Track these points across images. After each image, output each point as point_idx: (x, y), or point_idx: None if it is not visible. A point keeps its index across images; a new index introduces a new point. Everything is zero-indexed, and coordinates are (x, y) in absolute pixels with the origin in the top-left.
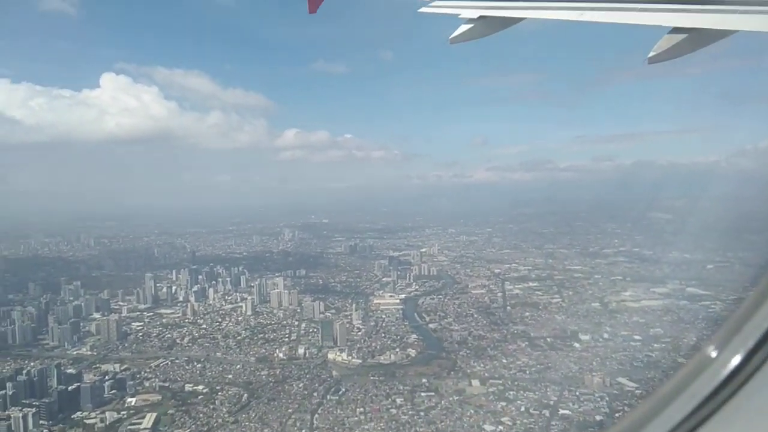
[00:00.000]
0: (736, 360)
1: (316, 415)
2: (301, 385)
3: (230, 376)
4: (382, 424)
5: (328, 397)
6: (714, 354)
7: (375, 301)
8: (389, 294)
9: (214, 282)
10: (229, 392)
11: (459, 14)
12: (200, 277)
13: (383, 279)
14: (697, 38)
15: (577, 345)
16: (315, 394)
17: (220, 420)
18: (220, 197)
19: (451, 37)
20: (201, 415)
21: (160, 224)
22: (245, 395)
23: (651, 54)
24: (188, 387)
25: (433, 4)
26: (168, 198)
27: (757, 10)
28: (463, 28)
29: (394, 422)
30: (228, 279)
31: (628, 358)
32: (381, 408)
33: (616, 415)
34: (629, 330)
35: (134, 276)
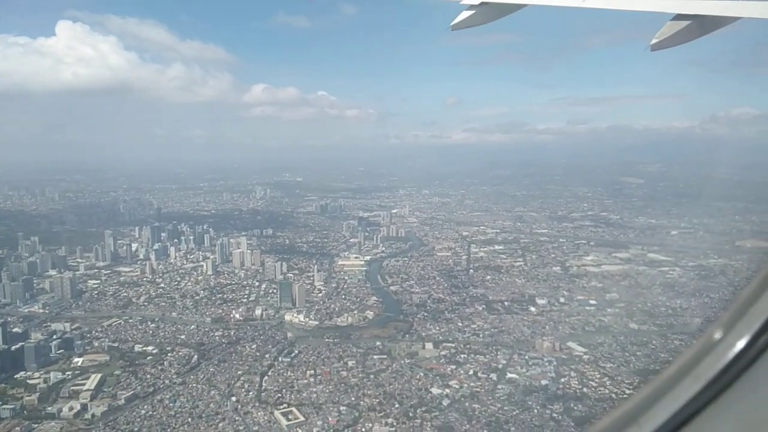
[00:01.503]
0: (741, 343)
1: (266, 377)
2: (254, 346)
3: (183, 337)
4: (330, 387)
5: (280, 359)
6: (719, 336)
7: (340, 263)
8: (354, 255)
9: (176, 240)
10: (180, 353)
11: (460, 1)
12: (163, 234)
13: (351, 240)
14: (700, 25)
15: (533, 309)
16: (267, 356)
17: (167, 381)
18: (194, 152)
19: (452, 24)
20: (148, 376)
21: (130, 179)
22: (195, 356)
23: (653, 41)
24: (138, 347)
25: None
26: (140, 152)
27: None
28: (465, 14)
29: (342, 385)
30: (191, 237)
31: (580, 323)
32: (332, 370)
33: (561, 380)
34: (586, 294)
35: (96, 232)
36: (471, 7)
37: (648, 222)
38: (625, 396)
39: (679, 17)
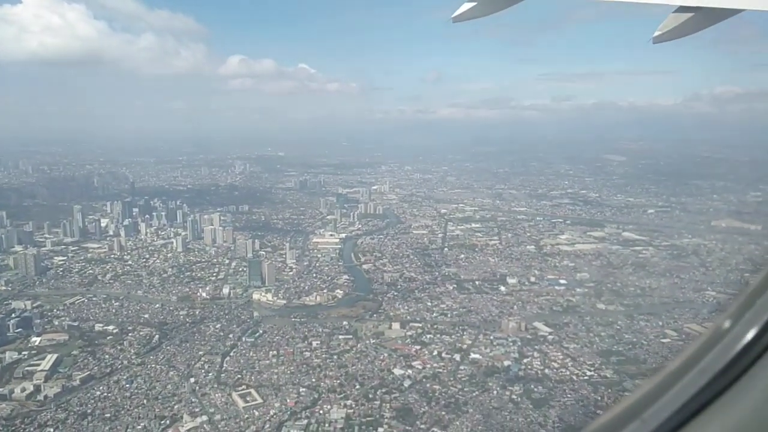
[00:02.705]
0: (749, 335)
1: (228, 358)
2: (218, 326)
3: (146, 316)
4: (292, 368)
5: (244, 339)
6: (725, 329)
7: (314, 240)
8: (330, 233)
9: (147, 216)
10: (141, 333)
11: None
12: (135, 210)
13: (328, 217)
14: (703, 17)
15: (503, 288)
16: (231, 336)
17: (125, 362)
18: (174, 125)
19: (453, 16)
20: (107, 356)
21: (107, 152)
22: (157, 336)
23: (656, 33)
24: (99, 327)
25: None
26: (118, 124)
27: None
28: (467, 5)
29: (305, 366)
30: (163, 213)
31: (549, 303)
32: (295, 351)
33: (524, 361)
34: (557, 274)
35: (67, 207)
36: None
37: (626, 200)
38: (595, 381)
39: (682, 9)
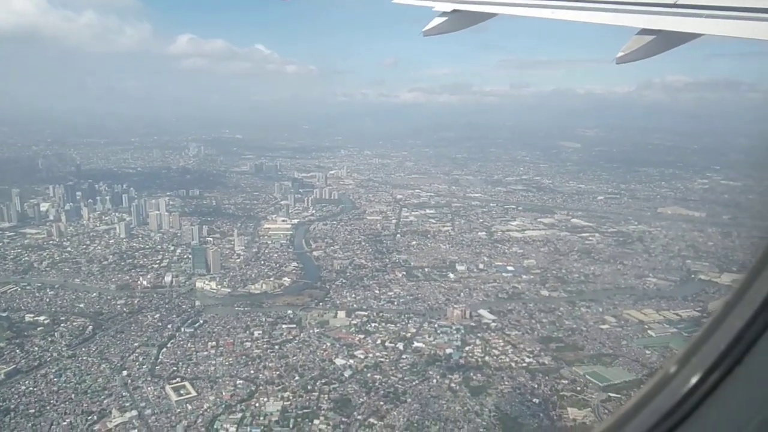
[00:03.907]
0: (739, 324)
1: (164, 350)
2: (157, 316)
3: (81, 306)
4: (231, 359)
5: (183, 329)
6: (714, 327)
7: (265, 226)
8: (282, 218)
9: (91, 200)
10: (74, 323)
11: (433, 6)
12: (78, 194)
13: (281, 202)
14: (664, 40)
15: (451, 275)
16: (169, 326)
17: (55, 354)
18: (127, 105)
19: (424, 30)
20: (36, 348)
21: (56, 132)
22: (91, 327)
23: (619, 54)
24: (29, 317)
25: None
26: (67, 103)
27: (723, 15)
28: (437, 20)
29: (244, 357)
30: (108, 197)
31: (494, 290)
32: (235, 341)
33: (466, 348)
34: (505, 260)
35: (7, 190)
36: (443, 13)
37: (578, 187)
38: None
39: (645, 32)
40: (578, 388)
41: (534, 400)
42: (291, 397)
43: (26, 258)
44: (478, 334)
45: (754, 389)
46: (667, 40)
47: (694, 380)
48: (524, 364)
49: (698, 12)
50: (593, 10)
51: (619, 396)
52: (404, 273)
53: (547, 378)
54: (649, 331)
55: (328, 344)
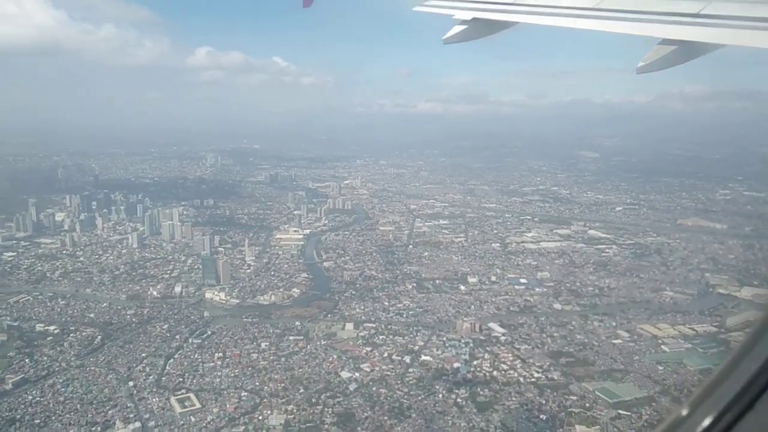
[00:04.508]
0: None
1: (171, 360)
2: (165, 326)
3: (92, 316)
4: (237, 371)
5: (191, 340)
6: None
7: (277, 236)
8: (294, 229)
9: (106, 210)
10: (84, 333)
11: (453, 15)
12: (93, 204)
13: (294, 212)
14: (686, 50)
15: (462, 288)
16: (177, 337)
17: (63, 364)
18: (148, 116)
19: (444, 38)
20: (45, 358)
21: (77, 143)
22: (100, 337)
23: (641, 64)
24: (40, 327)
25: (428, 3)
26: (90, 114)
27: (745, 25)
28: (457, 29)
29: (250, 369)
30: (122, 207)
31: (506, 303)
32: (242, 353)
33: (474, 363)
34: (518, 273)
35: (24, 200)
36: (463, 22)
37: (595, 197)
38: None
39: (666, 42)
40: (587, 405)
41: (541, 416)
42: (295, 411)
43: (39, 268)
44: (487, 348)
45: None
46: (689, 51)
47: (706, 423)
48: (533, 380)
49: (721, 23)
50: (615, 20)
51: (629, 413)
52: (415, 285)
53: (555, 394)
54: (662, 347)
55: (335, 357)
